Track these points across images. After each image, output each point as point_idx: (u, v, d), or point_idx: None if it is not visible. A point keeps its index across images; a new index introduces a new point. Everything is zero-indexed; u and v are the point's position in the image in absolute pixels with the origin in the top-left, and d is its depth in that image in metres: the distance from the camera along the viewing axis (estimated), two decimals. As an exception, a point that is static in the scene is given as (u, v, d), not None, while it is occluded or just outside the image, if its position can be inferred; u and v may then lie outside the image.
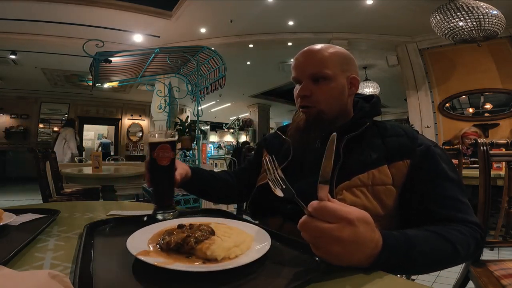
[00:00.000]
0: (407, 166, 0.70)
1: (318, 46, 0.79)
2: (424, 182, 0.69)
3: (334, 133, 0.49)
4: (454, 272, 1.89)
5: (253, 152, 1.60)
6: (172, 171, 0.73)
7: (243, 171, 1.05)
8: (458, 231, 0.60)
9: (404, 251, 0.51)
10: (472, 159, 2.87)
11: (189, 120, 4.49)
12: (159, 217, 0.71)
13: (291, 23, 4.90)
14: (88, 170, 3.40)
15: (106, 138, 10.20)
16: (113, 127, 10.14)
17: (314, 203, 0.47)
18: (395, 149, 0.72)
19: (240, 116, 11.34)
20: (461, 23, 3.30)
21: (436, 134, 5.00)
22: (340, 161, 0.72)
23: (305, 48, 0.80)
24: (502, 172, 1.48)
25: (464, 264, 1.12)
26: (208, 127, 14.11)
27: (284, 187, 0.54)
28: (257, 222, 0.82)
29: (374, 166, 0.71)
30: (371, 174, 0.70)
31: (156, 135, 0.71)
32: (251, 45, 5.50)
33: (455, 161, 1.44)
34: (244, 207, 1.64)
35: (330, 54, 0.78)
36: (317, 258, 0.48)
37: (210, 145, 11.31)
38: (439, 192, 0.67)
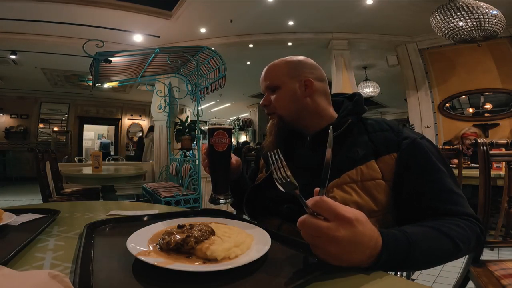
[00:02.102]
0: (394, 159, 0.72)
1: (273, 62, 0.88)
2: (416, 176, 0.69)
3: (331, 126, 0.53)
4: (454, 272, 1.89)
5: (253, 152, 1.62)
6: (228, 157, 0.77)
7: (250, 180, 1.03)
8: (457, 225, 0.61)
9: (404, 251, 0.51)
10: (472, 165, 2.88)
11: (189, 120, 4.49)
12: (220, 201, 0.75)
13: (291, 23, 4.90)
14: (88, 170, 3.40)
15: (106, 138, 10.21)
16: (113, 127, 10.16)
17: (315, 197, 0.47)
18: (381, 144, 0.74)
19: (240, 116, 11.33)
20: (461, 23, 3.30)
21: (436, 134, 5.00)
22: None
23: None
24: (502, 172, 1.48)
25: (464, 264, 1.12)
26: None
27: (288, 180, 0.52)
28: (255, 222, 0.82)
29: (361, 162, 0.72)
30: (359, 170, 0.72)
31: (214, 122, 0.77)
32: (251, 45, 5.50)
33: (455, 161, 1.45)
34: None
35: (279, 66, 0.86)
36: (317, 258, 0.48)
37: (210, 145, 11.29)
38: (433, 186, 0.68)
